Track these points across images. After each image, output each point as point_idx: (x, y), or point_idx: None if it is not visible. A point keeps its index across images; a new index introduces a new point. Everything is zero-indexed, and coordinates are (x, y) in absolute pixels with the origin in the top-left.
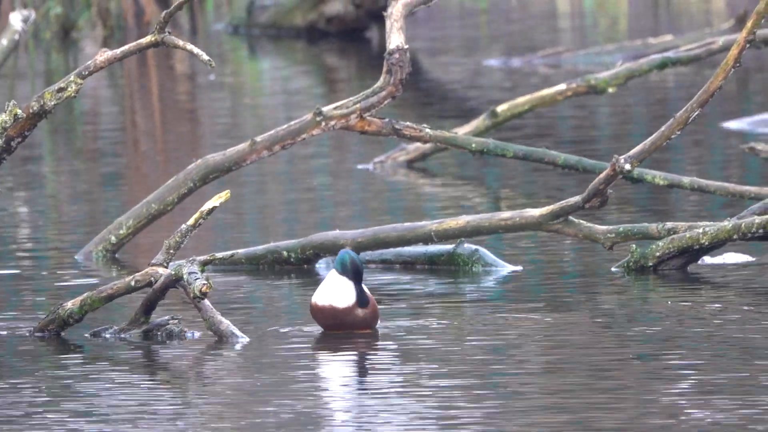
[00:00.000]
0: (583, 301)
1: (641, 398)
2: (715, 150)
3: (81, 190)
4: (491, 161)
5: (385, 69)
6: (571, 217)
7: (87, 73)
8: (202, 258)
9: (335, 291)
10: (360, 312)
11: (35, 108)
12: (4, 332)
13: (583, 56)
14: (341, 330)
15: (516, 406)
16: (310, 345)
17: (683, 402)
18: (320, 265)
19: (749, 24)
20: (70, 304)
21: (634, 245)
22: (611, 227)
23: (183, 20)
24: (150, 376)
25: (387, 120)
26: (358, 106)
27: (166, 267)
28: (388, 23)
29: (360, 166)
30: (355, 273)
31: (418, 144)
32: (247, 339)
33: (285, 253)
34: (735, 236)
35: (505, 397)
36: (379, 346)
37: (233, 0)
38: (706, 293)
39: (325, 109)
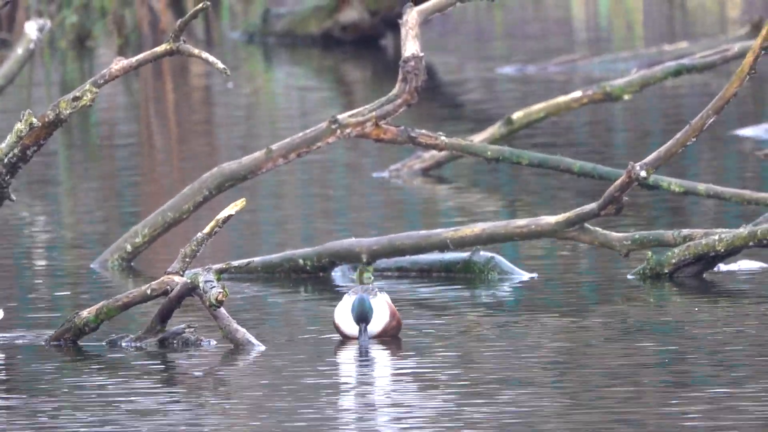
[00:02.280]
0: (598, 308)
1: (657, 405)
2: (730, 157)
3: (96, 199)
4: (506, 169)
5: (400, 77)
6: (586, 225)
7: (102, 81)
8: (218, 266)
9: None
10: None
11: (51, 117)
12: (20, 341)
13: (598, 63)
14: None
15: (532, 411)
16: (326, 352)
17: (699, 410)
18: (336, 273)
19: (764, 31)
20: (86, 313)
21: (649, 252)
22: (627, 234)
23: (198, 29)
24: (166, 385)
25: (402, 128)
26: (373, 114)
27: (182, 275)
28: (403, 31)
29: (375, 174)
30: (358, 318)
31: (434, 152)
32: (263, 347)
33: (301, 261)
34: (751, 243)
35: (521, 403)
36: (397, 354)
37: (248, 8)
38: (722, 300)
39: (340, 117)
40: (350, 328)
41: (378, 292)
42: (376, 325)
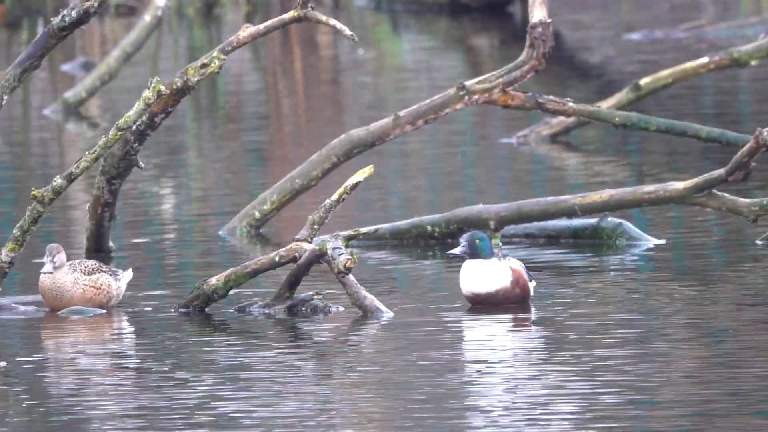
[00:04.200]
0: (727, 274)
1: None
2: None
3: (225, 167)
4: (634, 134)
5: (527, 43)
6: (714, 190)
7: (230, 48)
8: (346, 233)
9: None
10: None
11: (178, 84)
12: (150, 308)
13: (726, 29)
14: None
15: (661, 377)
16: (454, 319)
17: None
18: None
19: None
20: (215, 280)
21: None
22: (755, 200)
23: None
24: (295, 351)
25: (530, 94)
26: (500, 80)
27: (311, 242)
28: None
29: (503, 140)
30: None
31: (562, 118)
32: (392, 313)
33: (429, 228)
34: None
35: (650, 369)
36: (524, 320)
37: None
38: None
39: (468, 83)
40: (470, 288)
41: (507, 258)
42: (489, 285)
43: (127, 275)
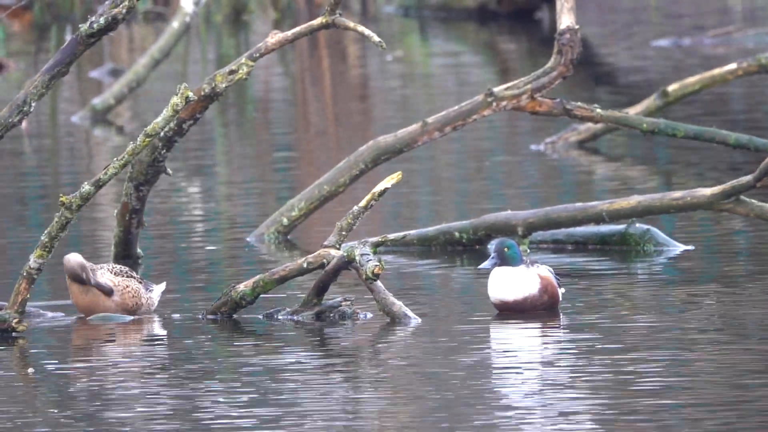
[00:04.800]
0: (756, 280)
1: None
2: None
3: (252, 173)
4: (662, 141)
5: (555, 49)
6: (742, 196)
7: (258, 55)
8: (374, 239)
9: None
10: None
11: (206, 90)
12: (178, 315)
13: (754, 35)
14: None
15: (688, 382)
16: (483, 325)
17: None
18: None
19: None
20: (243, 286)
21: None
22: None
23: (354, 2)
24: (323, 357)
25: (558, 100)
26: (529, 86)
27: (339, 249)
28: (558, 4)
29: (532, 147)
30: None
31: (589, 124)
32: (420, 320)
33: (457, 234)
34: None
35: (677, 374)
36: (552, 325)
37: None
38: None
39: (496, 89)
40: (498, 295)
41: (537, 265)
42: (517, 293)
43: (160, 288)
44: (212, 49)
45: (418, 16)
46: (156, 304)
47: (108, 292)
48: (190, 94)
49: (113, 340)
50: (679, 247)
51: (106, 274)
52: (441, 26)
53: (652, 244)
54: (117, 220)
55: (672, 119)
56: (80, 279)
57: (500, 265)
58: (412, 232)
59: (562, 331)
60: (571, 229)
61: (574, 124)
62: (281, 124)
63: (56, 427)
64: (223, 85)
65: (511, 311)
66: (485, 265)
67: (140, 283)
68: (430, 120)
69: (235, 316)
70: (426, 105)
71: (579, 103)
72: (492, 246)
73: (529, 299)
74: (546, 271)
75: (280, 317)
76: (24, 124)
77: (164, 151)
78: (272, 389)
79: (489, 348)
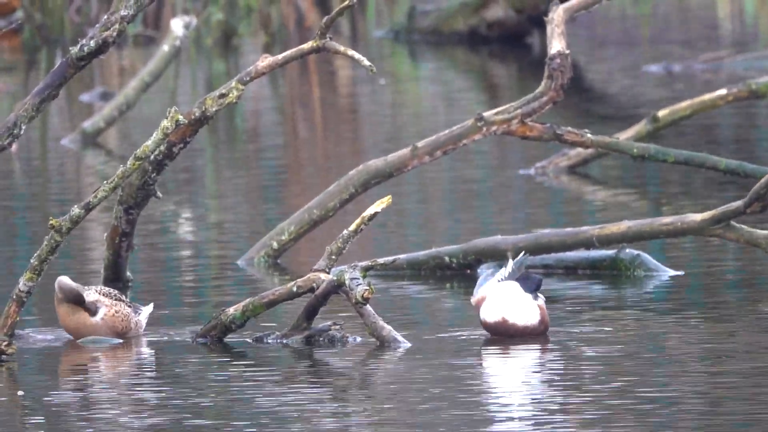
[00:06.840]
0: (745, 307)
1: None
2: None
3: (242, 197)
4: (652, 166)
5: (546, 74)
6: (732, 222)
7: (248, 78)
8: (363, 264)
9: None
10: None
11: (197, 114)
12: (167, 338)
13: (744, 61)
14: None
15: (677, 412)
16: (472, 350)
17: None
18: (481, 270)
19: None
20: (233, 310)
21: None
22: None
23: (344, 27)
24: (312, 382)
25: (548, 125)
26: (519, 111)
27: (328, 273)
28: (549, 28)
29: (521, 171)
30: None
31: (580, 149)
32: (409, 344)
33: (447, 259)
34: None
35: (667, 402)
36: (542, 351)
37: (394, 6)
38: None
39: (486, 114)
40: (493, 318)
41: (537, 296)
42: (519, 318)
43: (148, 309)
44: (202, 72)
45: (408, 39)
46: (144, 327)
47: (95, 311)
48: (181, 117)
49: (102, 363)
50: (668, 272)
51: (93, 295)
52: (431, 50)
53: (642, 269)
54: (107, 243)
55: (663, 145)
56: (78, 300)
57: (518, 280)
58: (402, 256)
59: (551, 356)
60: (561, 254)
61: (565, 149)
62: (271, 147)
63: None
64: (214, 109)
65: (501, 335)
66: (503, 274)
67: (129, 307)
68: (420, 144)
69: (225, 339)
70: (416, 129)
71: (569, 128)
72: (512, 262)
73: (530, 328)
74: (542, 302)
75: (269, 341)
76: (14, 147)
77: (154, 174)
78: (258, 413)
79: (479, 373)
